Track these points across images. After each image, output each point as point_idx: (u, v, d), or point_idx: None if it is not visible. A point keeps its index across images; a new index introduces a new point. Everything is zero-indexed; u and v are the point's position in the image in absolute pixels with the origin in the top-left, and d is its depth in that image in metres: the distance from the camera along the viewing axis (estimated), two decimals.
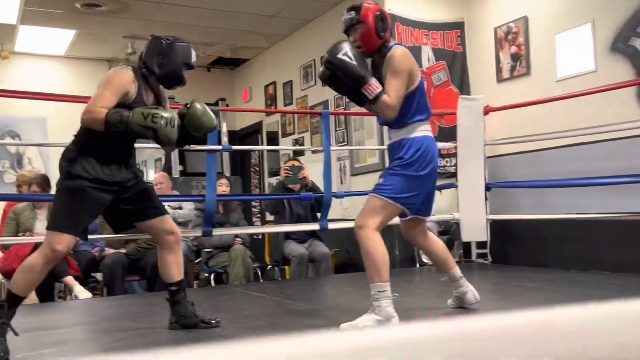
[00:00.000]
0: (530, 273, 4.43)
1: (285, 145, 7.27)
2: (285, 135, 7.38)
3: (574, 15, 4.71)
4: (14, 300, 2.41)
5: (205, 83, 8.50)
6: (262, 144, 7.93)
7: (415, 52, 5.59)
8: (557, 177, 4.66)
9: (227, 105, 8.21)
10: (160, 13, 6.23)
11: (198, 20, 6.49)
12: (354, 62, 2.51)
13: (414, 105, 2.62)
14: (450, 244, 5.14)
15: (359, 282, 4.47)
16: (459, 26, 5.80)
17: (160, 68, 2.61)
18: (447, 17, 5.77)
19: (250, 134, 8.36)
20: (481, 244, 5.21)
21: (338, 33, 6.44)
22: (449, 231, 5.23)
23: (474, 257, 5.25)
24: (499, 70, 5.43)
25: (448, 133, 5.58)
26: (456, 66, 5.78)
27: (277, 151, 7.50)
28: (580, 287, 3.66)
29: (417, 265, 5.16)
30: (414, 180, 2.56)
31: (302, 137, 6.97)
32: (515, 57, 5.27)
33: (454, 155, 5.40)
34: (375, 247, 2.49)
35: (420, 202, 2.63)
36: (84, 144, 2.53)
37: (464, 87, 5.75)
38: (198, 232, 4.20)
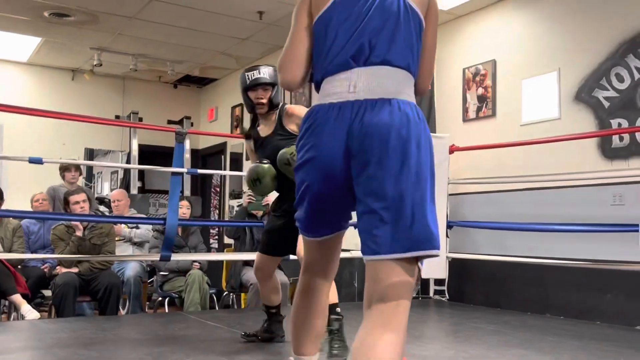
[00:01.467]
0: (487, 314, 4.47)
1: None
2: (249, 157, 7.31)
3: (540, 63, 4.84)
4: (268, 310, 3.09)
5: (172, 100, 8.41)
6: (225, 165, 7.85)
7: None
8: (517, 219, 4.74)
9: (191, 124, 8.12)
10: (131, 27, 6.14)
11: (169, 37, 6.43)
12: None
13: (316, 54, 1.68)
14: None
15: None
16: None
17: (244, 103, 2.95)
18: None
19: (213, 154, 8.27)
20: (439, 281, 5.24)
21: None
22: None
23: (431, 293, 5.27)
24: (465, 110, 5.53)
25: None
26: (424, 103, 5.86)
27: None
28: (536, 332, 3.70)
29: None
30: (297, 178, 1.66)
31: (268, 161, 6.91)
32: (481, 99, 5.37)
33: None
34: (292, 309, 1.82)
35: (307, 212, 1.64)
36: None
37: (430, 125, 5.83)
38: (156, 257, 4.09)
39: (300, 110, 2.87)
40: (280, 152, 2.74)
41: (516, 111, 5.01)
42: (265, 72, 2.86)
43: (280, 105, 2.94)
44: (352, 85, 1.54)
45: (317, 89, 1.66)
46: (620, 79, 4.27)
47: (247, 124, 3.15)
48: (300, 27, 1.70)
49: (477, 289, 5.10)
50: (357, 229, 1.54)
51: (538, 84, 4.85)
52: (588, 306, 4.22)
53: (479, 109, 5.39)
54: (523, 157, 4.82)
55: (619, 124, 4.26)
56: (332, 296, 2.62)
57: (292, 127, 2.88)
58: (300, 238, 1.84)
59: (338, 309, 2.74)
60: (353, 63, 1.57)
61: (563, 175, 4.35)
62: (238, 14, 5.73)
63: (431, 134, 5.09)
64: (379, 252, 1.46)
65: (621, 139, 4.24)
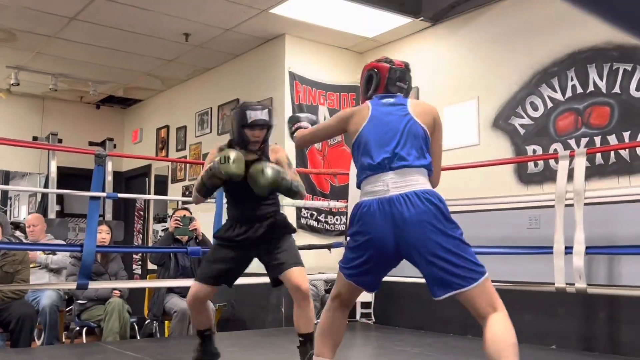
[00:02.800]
0: (411, 336, 4.53)
1: (175, 191, 7.07)
2: (175, 181, 7.17)
3: (461, 91, 5.02)
4: (203, 333, 3.10)
5: (94, 121, 8.15)
6: (149, 189, 7.64)
7: (313, 110, 5.70)
8: None
9: (114, 146, 7.89)
10: (51, 46, 5.93)
11: (92, 57, 6.24)
12: None
13: (357, 163, 2.37)
14: None
15: (243, 341, 4.34)
16: (354, 90, 6.00)
17: (233, 134, 2.98)
18: (344, 80, 5.96)
19: (137, 176, 8.05)
20: (365, 304, 5.28)
21: (237, 83, 6.45)
22: None
23: (357, 316, 5.29)
24: None
25: (339, 192, 5.68)
26: None
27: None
28: (458, 354, 3.78)
29: None
30: (348, 248, 2.31)
31: (194, 185, 6.79)
32: None
33: (345, 214, 5.49)
34: (321, 318, 2.37)
35: (373, 277, 2.28)
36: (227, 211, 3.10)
37: None
38: (72, 285, 3.91)
39: (283, 153, 3.08)
40: (262, 164, 2.85)
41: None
42: (265, 114, 2.91)
43: None
44: (385, 184, 2.17)
45: (359, 187, 2.31)
46: (535, 107, 4.49)
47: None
48: (332, 128, 2.53)
49: (402, 311, 5.17)
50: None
51: (459, 111, 5.02)
52: None
53: None
54: (444, 181, 4.94)
55: (534, 151, 4.46)
56: (306, 326, 2.89)
57: (274, 160, 3.03)
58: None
59: None
60: (385, 168, 2.19)
61: (482, 200, 4.49)
62: (163, 35, 5.64)
63: None
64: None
65: (536, 164, 4.44)
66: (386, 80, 2.44)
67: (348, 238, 2.30)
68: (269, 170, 2.81)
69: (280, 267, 2.90)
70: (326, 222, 5.73)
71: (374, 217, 2.14)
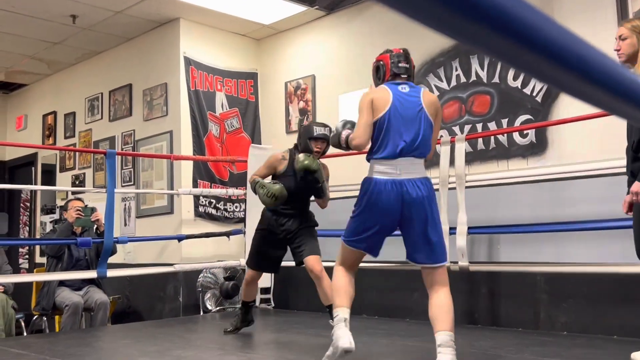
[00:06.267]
0: (309, 319, 4.63)
1: (64, 181, 6.75)
2: (64, 169, 6.84)
3: (354, 79, 5.16)
4: (248, 304, 3.91)
5: None
6: (36, 178, 7.25)
7: (210, 97, 5.64)
8: (335, 227, 4.97)
9: None
10: None
11: None
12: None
13: (373, 141, 2.71)
14: (235, 290, 5.18)
15: (138, 333, 4.25)
16: (252, 76, 6.00)
17: (300, 146, 3.65)
18: (241, 67, 5.93)
19: (22, 165, 7.60)
20: (265, 290, 5.33)
21: (129, 67, 6.24)
22: (235, 277, 5.27)
23: (257, 302, 5.33)
24: (288, 122, 5.71)
25: (238, 179, 5.68)
26: (249, 114, 5.94)
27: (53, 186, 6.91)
28: (353, 333, 3.91)
29: (202, 313, 5.09)
30: (356, 221, 2.71)
31: (84, 174, 6.53)
32: (303, 112, 5.58)
33: (244, 201, 5.49)
34: (334, 278, 2.82)
35: (369, 242, 2.70)
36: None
37: (255, 135, 5.93)
38: None
39: (327, 170, 3.69)
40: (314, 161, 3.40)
41: (334, 124, 5.27)
42: (327, 131, 3.59)
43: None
44: (398, 169, 2.61)
45: (369, 161, 2.73)
46: None
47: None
48: (370, 118, 2.70)
49: (300, 295, 5.27)
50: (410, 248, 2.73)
51: (353, 99, 5.14)
52: (398, 305, 4.56)
53: (300, 122, 5.59)
54: (344, 167, 5.08)
55: None
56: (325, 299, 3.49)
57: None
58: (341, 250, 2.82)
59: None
60: (398, 155, 2.61)
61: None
62: (49, 16, 5.35)
63: (255, 145, 5.28)
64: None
65: None
66: (390, 65, 2.80)
67: (355, 209, 2.69)
68: (315, 161, 3.41)
69: (300, 254, 3.63)
70: (225, 210, 5.70)
71: (388, 194, 2.58)
